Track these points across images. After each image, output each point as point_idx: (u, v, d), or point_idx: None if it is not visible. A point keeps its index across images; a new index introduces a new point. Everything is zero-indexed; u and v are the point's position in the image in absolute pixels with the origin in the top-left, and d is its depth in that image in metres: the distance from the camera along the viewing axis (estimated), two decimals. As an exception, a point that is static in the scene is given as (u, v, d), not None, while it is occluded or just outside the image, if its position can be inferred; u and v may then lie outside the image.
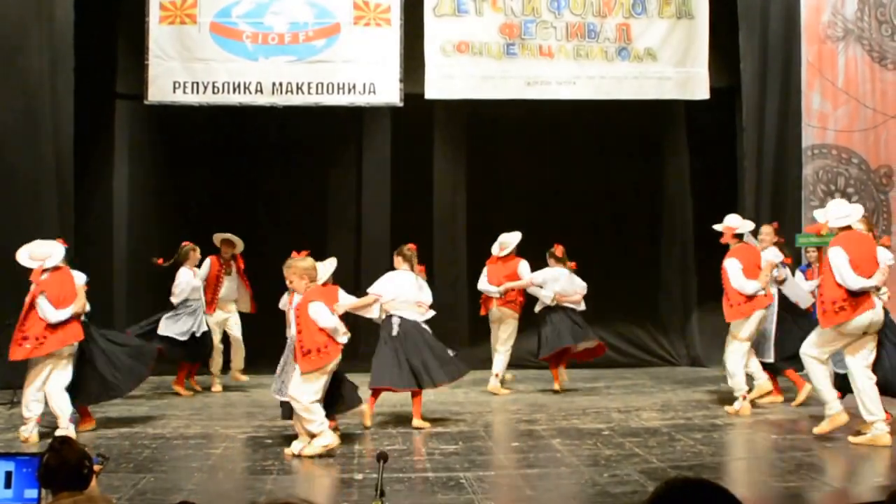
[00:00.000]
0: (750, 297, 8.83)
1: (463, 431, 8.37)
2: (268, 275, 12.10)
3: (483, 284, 10.72)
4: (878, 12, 12.04)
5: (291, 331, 7.52)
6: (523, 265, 10.59)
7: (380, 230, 12.19)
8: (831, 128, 11.98)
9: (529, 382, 11.11)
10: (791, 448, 7.50)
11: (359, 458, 7.23)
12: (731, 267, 8.89)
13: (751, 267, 8.92)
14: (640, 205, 13.00)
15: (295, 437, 7.37)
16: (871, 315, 7.39)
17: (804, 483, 6.42)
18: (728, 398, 9.28)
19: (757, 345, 9.25)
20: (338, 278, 12.67)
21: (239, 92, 11.19)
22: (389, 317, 8.60)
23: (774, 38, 11.81)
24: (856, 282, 7.33)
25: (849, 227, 7.66)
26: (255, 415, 9.21)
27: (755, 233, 9.51)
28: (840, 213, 7.73)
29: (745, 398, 9.00)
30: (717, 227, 9.22)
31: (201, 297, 10.53)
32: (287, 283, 7.63)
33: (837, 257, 7.42)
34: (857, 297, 7.36)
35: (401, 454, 7.34)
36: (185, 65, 11.19)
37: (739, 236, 9.10)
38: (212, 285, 10.73)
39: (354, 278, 12.62)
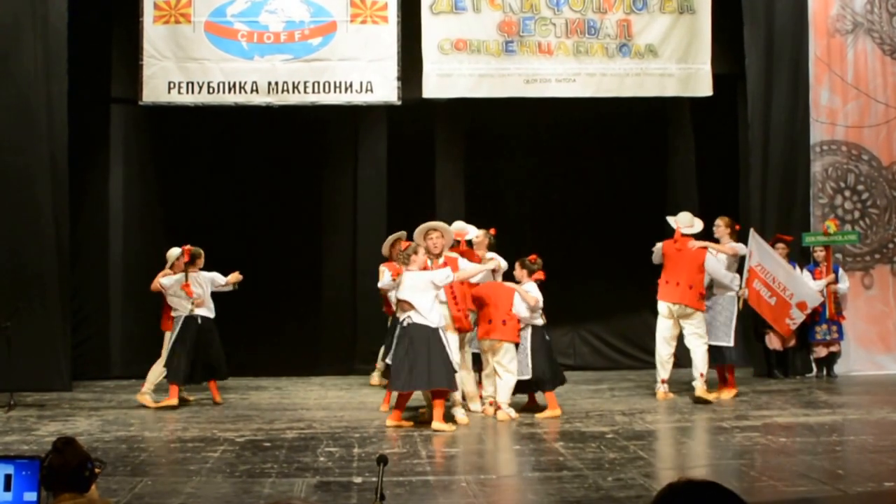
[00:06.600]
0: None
1: (464, 434, 8.27)
2: (264, 275, 12.11)
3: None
4: (889, 4, 11.88)
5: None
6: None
7: (376, 231, 12.07)
8: (841, 123, 11.82)
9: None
10: (800, 451, 7.39)
11: (358, 461, 7.12)
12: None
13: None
14: (642, 203, 12.82)
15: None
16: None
17: (812, 487, 6.30)
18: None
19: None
20: (332, 279, 12.65)
21: (234, 92, 11.09)
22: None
23: (781, 31, 11.64)
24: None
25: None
26: (253, 418, 9.11)
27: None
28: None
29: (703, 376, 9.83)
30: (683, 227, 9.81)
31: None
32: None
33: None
34: None
35: (401, 457, 7.23)
36: (179, 65, 11.10)
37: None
38: None
39: (351, 279, 12.54)
